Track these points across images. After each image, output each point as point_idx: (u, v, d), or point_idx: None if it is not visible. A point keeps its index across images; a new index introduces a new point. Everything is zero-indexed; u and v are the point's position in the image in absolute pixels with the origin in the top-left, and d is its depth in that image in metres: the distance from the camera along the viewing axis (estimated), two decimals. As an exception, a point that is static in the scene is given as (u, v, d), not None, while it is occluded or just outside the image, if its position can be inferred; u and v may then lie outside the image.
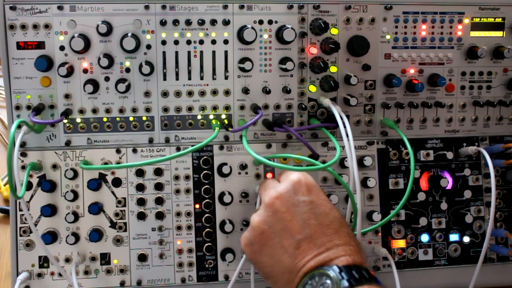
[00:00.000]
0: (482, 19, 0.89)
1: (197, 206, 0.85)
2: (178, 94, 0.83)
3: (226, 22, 0.82)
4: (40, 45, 0.80)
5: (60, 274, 0.82)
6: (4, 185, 1.13)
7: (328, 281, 0.57)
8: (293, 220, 0.65)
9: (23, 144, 0.82)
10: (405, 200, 0.80)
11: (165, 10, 0.81)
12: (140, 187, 0.83)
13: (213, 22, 0.82)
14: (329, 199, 0.71)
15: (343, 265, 0.59)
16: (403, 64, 0.88)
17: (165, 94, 0.83)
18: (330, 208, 0.67)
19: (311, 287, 0.58)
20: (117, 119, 0.83)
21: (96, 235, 0.81)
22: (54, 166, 0.82)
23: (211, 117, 0.85)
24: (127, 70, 0.82)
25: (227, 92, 0.84)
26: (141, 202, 0.83)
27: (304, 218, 0.65)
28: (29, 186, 0.81)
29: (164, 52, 0.82)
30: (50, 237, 0.80)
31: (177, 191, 0.84)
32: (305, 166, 0.82)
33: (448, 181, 0.89)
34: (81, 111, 0.82)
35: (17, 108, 0.81)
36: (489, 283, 0.90)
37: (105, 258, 0.83)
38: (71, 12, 0.79)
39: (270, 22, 0.83)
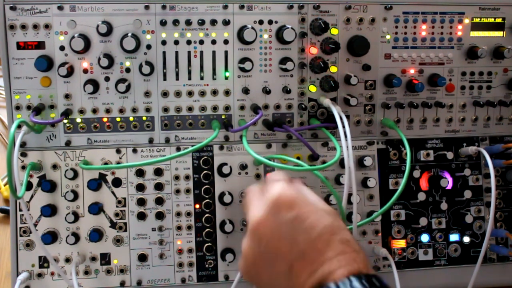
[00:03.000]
0: (482, 19, 0.89)
1: (197, 206, 0.85)
2: (178, 94, 0.83)
3: (226, 22, 0.82)
4: (40, 45, 0.80)
5: (60, 274, 0.82)
6: (4, 185, 1.13)
7: None
8: (280, 241, 0.61)
9: (23, 144, 0.82)
10: (399, 193, 0.80)
11: (165, 10, 0.81)
12: (140, 187, 0.83)
13: (213, 22, 0.82)
14: (319, 205, 0.63)
15: (340, 280, 0.56)
16: (403, 64, 0.88)
17: (165, 94, 0.83)
18: (317, 218, 0.61)
19: None
20: (117, 119, 0.83)
21: (96, 235, 0.81)
22: (54, 166, 0.82)
23: (211, 117, 0.85)
24: (127, 70, 0.82)
25: (227, 92, 0.84)
26: (141, 202, 0.83)
27: (291, 236, 0.60)
28: (29, 186, 0.81)
29: (164, 52, 0.82)
30: (50, 237, 0.80)
31: (177, 191, 0.84)
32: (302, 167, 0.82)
33: (448, 181, 0.89)
34: (81, 111, 0.82)
35: (17, 108, 0.81)
36: (489, 283, 0.90)
37: (105, 258, 0.83)
38: (71, 12, 0.79)
39: (270, 22, 0.83)
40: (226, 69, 0.84)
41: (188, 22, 0.81)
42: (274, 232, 0.61)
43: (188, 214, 0.84)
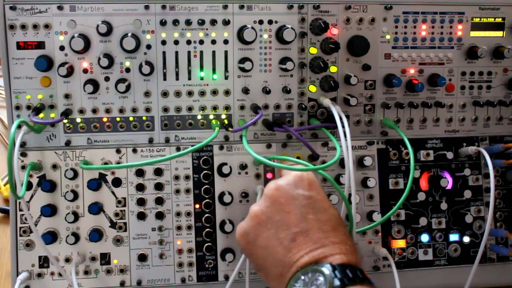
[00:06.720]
0: (482, 19, 0.89)
1: (197, 206, 0.85)
2: (178, 94, 0.83)
3: (226, 22, 0.82)
4: (40, 45, 0.80)
5: (60, 274, 0.82)
6: (4, 185, 1.13)
7: (321, 278, 0.56)
8: (291, 212, 0.65)
9: (23, 144, 0.82)
10: (403, 200, 0.80)
11: (165, 10, 0.81)
12: (140, 187, 0.83)
13: (213, 22, 0.82)
14: (329, 199, 0.71)
15: (337, 264, 0.58)
16: (403, 64, 0.88)
17: (165, 94, 0.83)
18: (329, 205, 0.67)
19: (303, 283, 0.58)
20: (117, 119, 0.83)
21: (96, 235, 0.82)
22: (54, 166, 0.82)
23: (211, 117, 0.85)
24: (127, 70, 0.82)
25: (227, 92, 0.84)
26: (141, 202, 0.83)
27: (302, 212, 0.64)
28: (29, 186, 0.81)
29: (164, 52, 0.82)
30: (50, 237, 0.80)
31: (177, 191, 0.84)
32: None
33: (448, 181, 0.89)
34: (81, 111, 0.82)
35: (17, 108, 0.81)
36: (489, 283, 0.90)
37: (105, 258, 0.83)
38: (71, 12, 0.79)
39: (270, 22, 0.83)
40: (226, 69, 0.84)
41: (188, 22, 0.81)
42: (288, 201, 0.66)
43: (188, 214, 0.84)
